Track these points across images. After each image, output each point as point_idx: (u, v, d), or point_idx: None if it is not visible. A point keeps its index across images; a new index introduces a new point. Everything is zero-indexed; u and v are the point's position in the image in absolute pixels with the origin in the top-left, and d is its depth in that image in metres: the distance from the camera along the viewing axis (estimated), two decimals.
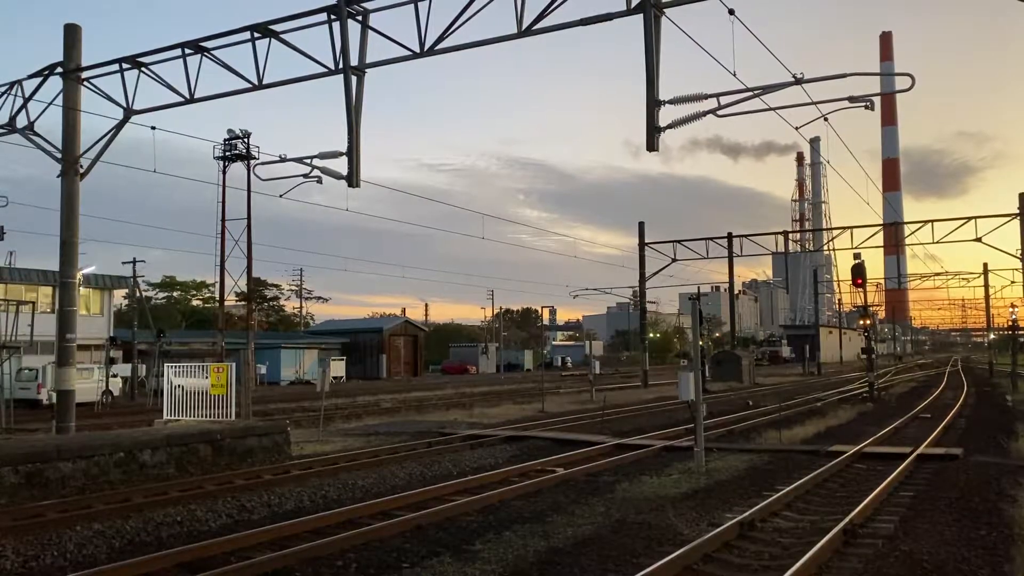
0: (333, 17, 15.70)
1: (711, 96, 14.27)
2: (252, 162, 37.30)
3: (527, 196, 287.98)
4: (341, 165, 16.17)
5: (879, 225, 46.28)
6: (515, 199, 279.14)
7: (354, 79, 15.68)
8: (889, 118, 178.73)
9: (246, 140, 39.54)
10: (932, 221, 42.53)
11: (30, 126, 19.50)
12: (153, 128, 18.76)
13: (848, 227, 44.94)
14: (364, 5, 15.75)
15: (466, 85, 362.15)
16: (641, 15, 13.59)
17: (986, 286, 61.97)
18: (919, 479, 13.26)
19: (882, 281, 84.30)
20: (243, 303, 48.47)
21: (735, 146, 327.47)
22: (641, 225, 48.92)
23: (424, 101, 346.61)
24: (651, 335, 65.71)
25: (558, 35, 15.10)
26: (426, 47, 15.51)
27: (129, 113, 19.02)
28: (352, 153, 15.75)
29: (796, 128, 16.98)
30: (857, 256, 43.75)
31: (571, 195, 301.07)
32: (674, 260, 48.12)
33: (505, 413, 28.75)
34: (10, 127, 19.57)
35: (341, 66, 15.74)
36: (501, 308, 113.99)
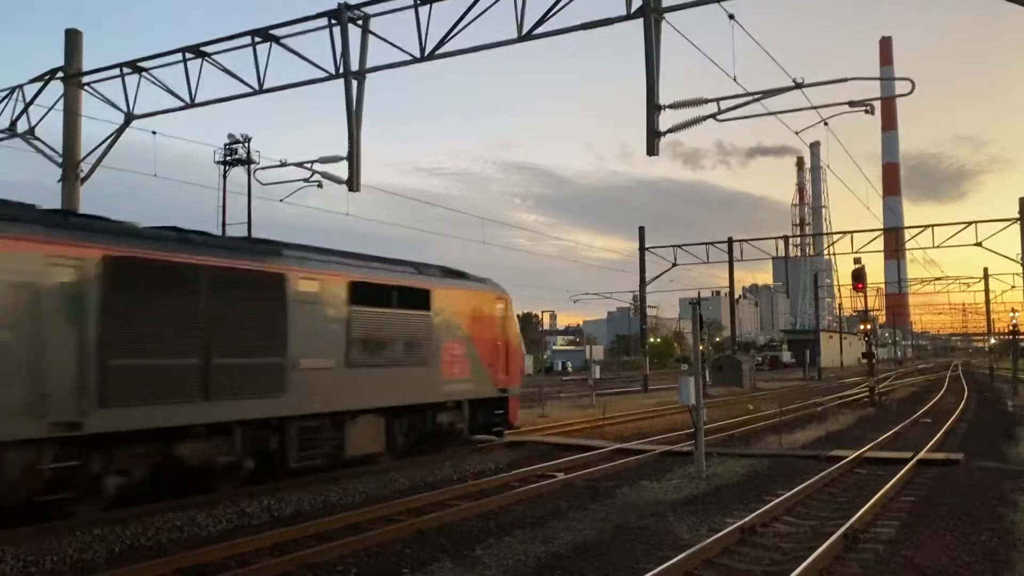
0: (334, 22, 15.75)
1: (711, 100, 14.32)
2: (253, 166, 37.32)
3: (524, 200, 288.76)
4: (341, 169, 16.21)
5: (879, 229, 46.26)
6: (512, 203, 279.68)
7: (354, 84, 15.71)
8: (889, 123, 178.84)
9: (247, 145, 39.56)
10: (932, 226, 42.57)
11: (31, 131, 19.55)
12: (154, 132, 18.83)
13: (848, 231, 44.93)
14: (365, 10, 15.80)
15: (461, 89, 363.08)
16: (641, 20, 13.62)
17: (986, 291, 62.01)
18: (920, 484, 13.23)
19: (882, 286, 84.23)
20: None
21: (693, 152, 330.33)
22: (641, 230, 48.95)
23: (419, 104, 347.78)
24: (652, 340, 65.64)
25: (557, 39, 15.14)
26: (426, 52, 15.55)
27: (130, 118, 19.07)
28: (352, 157, 15.78)
29: (796, 132, 17.01)
30: (858, 260, 43.71)
31: (569, 199, 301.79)
32: (674, 264, 48.12)
33: None
34: (11, 131, 19.61)
35: (341, 71, 15.77)
36: None
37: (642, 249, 48.40)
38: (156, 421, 10.69)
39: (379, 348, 14.42)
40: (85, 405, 9.82)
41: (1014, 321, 52.63)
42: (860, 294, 36.93)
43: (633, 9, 13.85)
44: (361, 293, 14.01)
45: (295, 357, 12.63)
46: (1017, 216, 40.67)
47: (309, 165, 16.94)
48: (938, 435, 19.83)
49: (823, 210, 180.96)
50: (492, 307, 18.01)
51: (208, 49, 17.38)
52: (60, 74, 19.24)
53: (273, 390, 12.29)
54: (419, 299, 15.55)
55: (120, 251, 10.41)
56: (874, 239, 44.57)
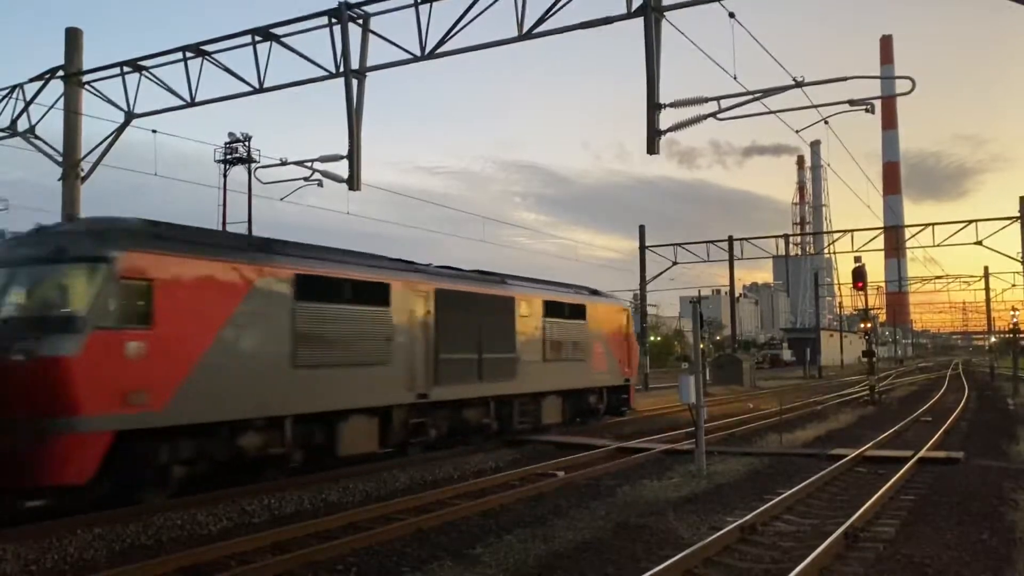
0: (334, 20, 15.74)
1: (712, 99, 14.30)
2: (253, 165, 37.34)
3: (524, 199, 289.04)
4: (341, 168, 16.20)
5: (880, 228, 46.22)
6: (511, 202, 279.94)
7: (355, 82, 15.71)
8: (889, 122, 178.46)
9: (247, 143, 39.59)
10: (933, 224, 42.52)
11: (31, 130, 19.55)
12: (154, 131, 18.80)
13: (849, 230, 44.90)
14: (365, 9, 15.79)
15: (461, 88, 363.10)
16: (642, 18, 13.61)
17: (987, 289, 61.92)
18: (920, 483, 13.23)
19: (883, 284, 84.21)
20: None
21: (689, 151, 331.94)
22: (642, 228, 48.93)
23: (420, 103, 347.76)
24: (652, 338, 65.55)
25: (557, 38, 15.12)
26: (427, 51, 15.55)
27: (130, 116, 19.06)
28: (353, 156, 15.78)
29: (797, 131, 16.98)
30: (858, 259, 43.69)
31: (568, 198, 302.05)
32: (675, 263, 48.10)
33: None
34: (11, 131, 19.61)
35: (342, 69, 15.76)
36: None
37: (642, 248, 48.35)
38: (457, 395, 16.46)
39: (559, 347, 20.17)
40: (429, 383, 15.48)
41: (1014, 320, 52.65)
42: (860, 292, 36.89)
43: (634, 8, 13.85)
44: (550, 308, 19.87)
45: (519, 354, 18.48)
46: (1017, 214, 40.65)
47: (309, 164, 16.92)
48: (938, 434, 19.83)
49: (823, 209, 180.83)
50: (620, 317, 23.88)
51: (208, 48, 17.37)
52: (60, 73, 19.23)
53: (510, 376, 18.14)
54: (580, 312, 21.37)
55: (442, 285, 16.21)
56: (874, 238, 44.60)
